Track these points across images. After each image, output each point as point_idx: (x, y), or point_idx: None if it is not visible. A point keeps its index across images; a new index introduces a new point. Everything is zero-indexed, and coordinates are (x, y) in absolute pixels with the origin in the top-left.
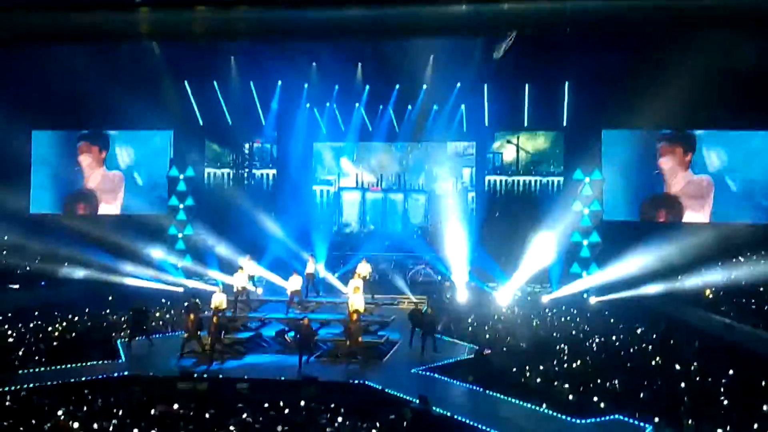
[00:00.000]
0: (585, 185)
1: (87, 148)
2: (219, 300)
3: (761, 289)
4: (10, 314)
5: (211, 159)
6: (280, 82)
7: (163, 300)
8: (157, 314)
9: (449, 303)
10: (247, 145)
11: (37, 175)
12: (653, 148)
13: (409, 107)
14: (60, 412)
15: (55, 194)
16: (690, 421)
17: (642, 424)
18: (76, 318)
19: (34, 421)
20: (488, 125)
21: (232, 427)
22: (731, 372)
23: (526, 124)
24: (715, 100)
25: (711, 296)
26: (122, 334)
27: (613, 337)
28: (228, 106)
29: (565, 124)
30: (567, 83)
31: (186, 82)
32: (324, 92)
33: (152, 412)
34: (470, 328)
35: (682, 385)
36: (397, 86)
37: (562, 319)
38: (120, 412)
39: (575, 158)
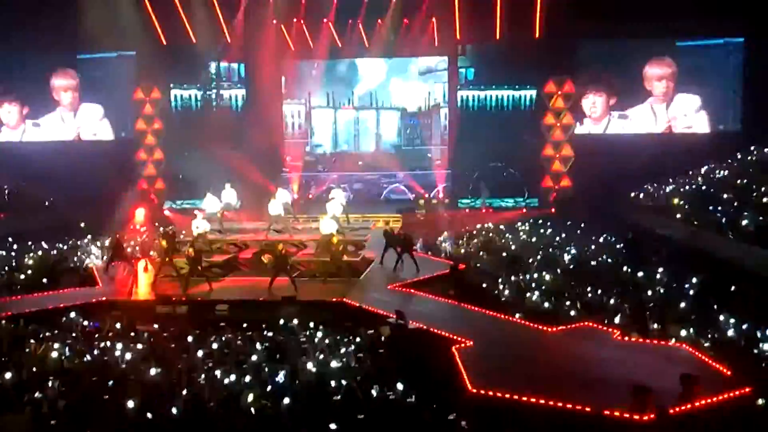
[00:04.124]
0: (557, 98)
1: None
2: (200, 228)
3: (725, 196)
4: None
5: (177, 80)
6: None
7: (139, 227)
8: (132, 240)
9: (423, 221)
10: (213, 65)
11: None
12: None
13: (379, 21)
14: (38, 340)
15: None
16: (655, 325)
17: (610, 330)
18: (49, 246)
19: (16, 348)
20: (459, 38)
21: (213, 347)
22: (694, 278)
23: (498, 37)
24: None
25: (678, 204)
26: (98, 260)
27: (584, 248)
28: (191, 23)
29: (537, 35)
30: None
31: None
32: (291, 7)
33: (132, 335)
34: (444, 244)
35: (649, 292)
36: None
37: (533, 232)
38: (100, 337)
39: (548, 70)
